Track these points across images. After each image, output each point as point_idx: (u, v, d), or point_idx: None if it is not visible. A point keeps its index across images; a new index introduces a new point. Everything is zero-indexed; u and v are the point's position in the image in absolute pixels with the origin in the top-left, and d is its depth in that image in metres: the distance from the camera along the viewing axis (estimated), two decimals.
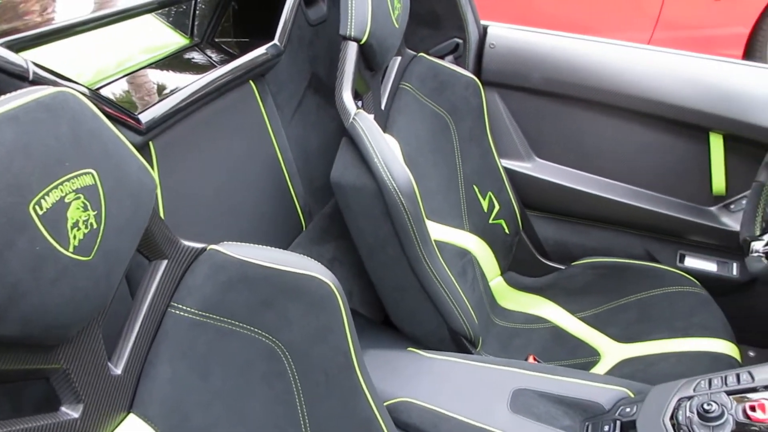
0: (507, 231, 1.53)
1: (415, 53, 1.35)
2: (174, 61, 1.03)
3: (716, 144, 1.42)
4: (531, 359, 1.21)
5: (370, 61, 1.10)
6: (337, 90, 1.06)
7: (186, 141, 0.94)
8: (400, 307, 1.19)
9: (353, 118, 1.04)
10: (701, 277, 1.47)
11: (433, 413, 0.97)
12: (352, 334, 0.82)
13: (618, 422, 0.94)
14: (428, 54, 1.38)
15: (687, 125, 1.43)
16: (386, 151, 1.03)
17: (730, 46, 3.15)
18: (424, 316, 1.17)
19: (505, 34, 1.52)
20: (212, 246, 0.73)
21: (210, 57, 1.07)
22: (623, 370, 1.25)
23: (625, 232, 1.57)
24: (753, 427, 0.82)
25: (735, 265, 1.49)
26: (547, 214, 1.62)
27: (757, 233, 1.16)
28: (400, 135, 1.22)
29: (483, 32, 1.53)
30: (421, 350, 1.13)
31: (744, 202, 1.44)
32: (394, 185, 1.01)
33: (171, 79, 0.98)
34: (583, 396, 1.00)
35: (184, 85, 0.93)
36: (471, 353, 1.20)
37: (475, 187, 1.46)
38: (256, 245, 0.76)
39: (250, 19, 1.15)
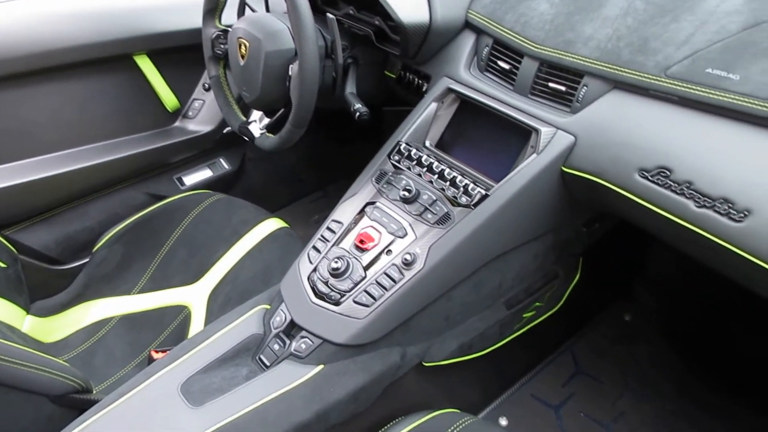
0: (4, 265, 1.22)
1: None
2: None
3: (145, 64, 1.39)
4: (155, 355, 1.07)
5: None
6: None
7: None
8: None
9: None
10: (206, 185, 1.52)
11: None
12: None
13: (280, 334, 0.94)
14: None
15: (110, 59, 1.35)
16: None
17: None
18: (13, 413, 0.87)
19: None
20: None
21: None
22: (218, 302, 1.23)
23: (122, 188, 1.46)
24: (372, 256, 0.95)
25: (221, 159, 1.59)
26: (29, 222, 1.36)
27: (244, 118, 1.24)
28: None
29: None
30: None
31: (196, 103, 1.50)
32: None
33: None
34: (237, 341, 0.95)
35: None
36: (91, 400, 0.98)
37: None
38: None
39: None
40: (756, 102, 0.76)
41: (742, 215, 0.77)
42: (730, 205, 0.78)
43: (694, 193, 0.81)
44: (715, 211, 0.79)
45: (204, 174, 1.57)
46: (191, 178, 1.55)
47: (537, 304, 1.17)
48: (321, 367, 0.90)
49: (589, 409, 1.32)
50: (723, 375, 1.37)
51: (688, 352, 1.41)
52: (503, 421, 1.30)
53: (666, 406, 1.32)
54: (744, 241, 0.76)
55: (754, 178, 0.77)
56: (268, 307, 1.01)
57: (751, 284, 0.83)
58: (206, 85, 1.49)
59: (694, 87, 0.81)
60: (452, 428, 0.91)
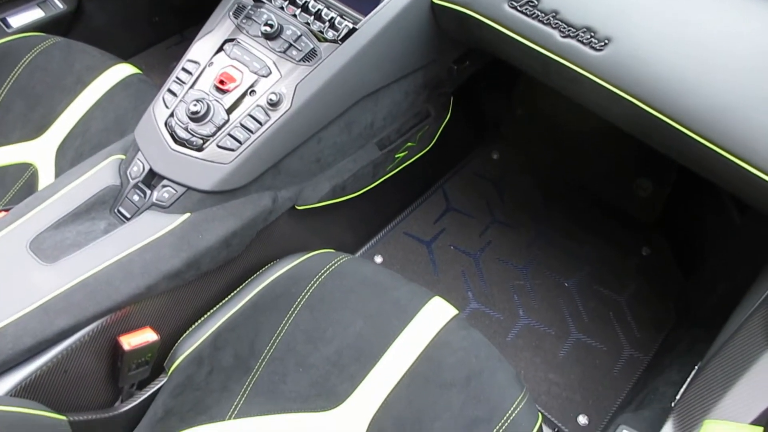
0: None
1: None
2: None
3: None
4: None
5: None
6: None
7: None
8: None
9: None
10: (38, 27, 1.32)
11: None
12: None
13: (139, 185, 0.88)
14: None
15: None
16: None
17: None
18: None
19: None
20: None
21: None
22: (67, 158, 1.12)
23: None
24: (234, 98, 0.88)
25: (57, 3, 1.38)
26: None
27: None
28: None
29: None
30: None
31: None
32: None
33: None
34: (90, 193, 0.88)
35: None
36: None
37: None
38: None
39: None
40: None
41: (602, 44, 0.78)
42: (592, 34, 0.78)
43: (560, 23, 0.81)
44: (578, 40, 0.80)
45: (34, 14, 1.35)
46: (18, 19, 1.33)
47: (409, 144, 1.17)
48: (187, 215, 0.86)
49: (459, 241, 1.40)
50: (579, 203, 1.48)
51: (550, 185, 1.51)
52: (378, 259, 1.35)
53: (528, 233, 1.42)
54: (604, 70, 0.78)
55: (614, 7, 0.77)
56: (123, 157, 0.93)
57: (607, 114, 0.87)
58: None
59: None
60: (328, 266, 0.92)
